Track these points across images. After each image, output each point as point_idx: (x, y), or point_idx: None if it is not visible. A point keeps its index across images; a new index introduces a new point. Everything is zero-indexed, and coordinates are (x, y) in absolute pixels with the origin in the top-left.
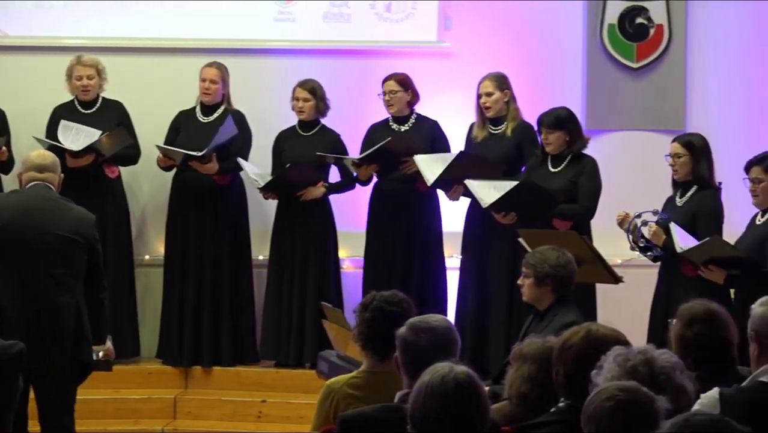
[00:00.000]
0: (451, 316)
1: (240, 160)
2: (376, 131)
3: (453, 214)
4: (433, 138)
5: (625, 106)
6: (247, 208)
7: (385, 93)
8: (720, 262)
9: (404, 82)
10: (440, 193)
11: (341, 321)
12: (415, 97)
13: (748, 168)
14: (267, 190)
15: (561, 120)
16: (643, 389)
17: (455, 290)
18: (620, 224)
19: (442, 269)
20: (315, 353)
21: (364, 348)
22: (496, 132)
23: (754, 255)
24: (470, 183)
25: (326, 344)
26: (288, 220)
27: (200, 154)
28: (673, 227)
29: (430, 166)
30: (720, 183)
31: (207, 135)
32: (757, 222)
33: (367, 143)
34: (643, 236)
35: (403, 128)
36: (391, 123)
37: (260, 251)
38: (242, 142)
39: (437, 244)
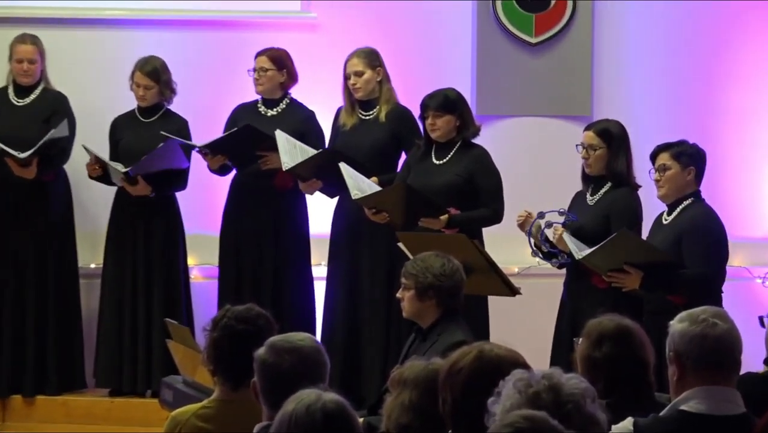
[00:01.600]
0: (319, 334)
1: (86, 145)
2: (241, 113)
3: (321, 215)
4: (303, 131)
5: (521, 88)
6: (72, 208)
7: (255, 69)
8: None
9: (278, 59)
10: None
11: (189, 341)
12: (290, 79)
13: (654, 155)
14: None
15: (451, 102)
16: (553, 422)
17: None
18: (521, 225)
19: (309, 279)
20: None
21: (214, 373)
22: (368, 117)
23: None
24: (344, 168)
25: (173, 368)
26: (126, 222)
27: (22, 156)
28: (566, 237)
29: (291, 149)
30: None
31: (22, 119)
32: (664, 221)
33: (229, 125)
34: (547, 240)
35: (270, 113)
36: (259, 105)
37: (91, 259)
38: (68, 130)
39: (304, 249)
